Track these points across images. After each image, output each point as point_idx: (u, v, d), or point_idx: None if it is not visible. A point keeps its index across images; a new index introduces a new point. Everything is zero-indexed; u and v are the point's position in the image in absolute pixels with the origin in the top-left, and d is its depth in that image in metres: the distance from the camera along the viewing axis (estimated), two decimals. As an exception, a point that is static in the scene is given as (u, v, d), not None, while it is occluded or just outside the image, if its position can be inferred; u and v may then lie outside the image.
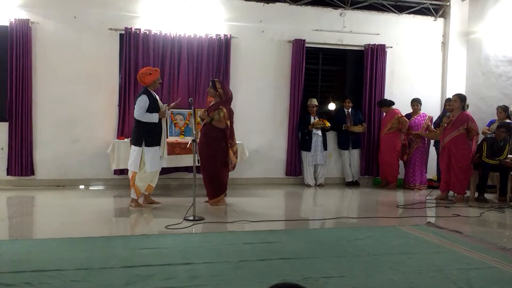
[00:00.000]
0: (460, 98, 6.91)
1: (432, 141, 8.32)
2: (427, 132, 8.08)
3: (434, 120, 8.27)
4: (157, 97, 5.86)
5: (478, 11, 8.61)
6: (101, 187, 7.35)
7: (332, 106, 8.56)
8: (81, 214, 5.42)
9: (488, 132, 7.38)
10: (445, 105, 8.10)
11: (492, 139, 6.89)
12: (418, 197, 7.23)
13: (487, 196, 7.01)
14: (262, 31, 8.06)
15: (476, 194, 7.02)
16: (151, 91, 5.72)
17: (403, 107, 8.27)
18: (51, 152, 7.26)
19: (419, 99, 8.21)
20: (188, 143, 6.35)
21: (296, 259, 3.66)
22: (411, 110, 8.27)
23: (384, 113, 8.35)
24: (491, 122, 7.60)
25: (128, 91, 7.34)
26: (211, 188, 6.03)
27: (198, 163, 5.28)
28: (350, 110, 8.37)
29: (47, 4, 7.19)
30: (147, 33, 7.41)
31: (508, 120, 7.26)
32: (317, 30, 8.29)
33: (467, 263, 3.66)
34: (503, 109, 7.36)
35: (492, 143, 6.82)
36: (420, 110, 8.22)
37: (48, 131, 7.26)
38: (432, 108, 8.50)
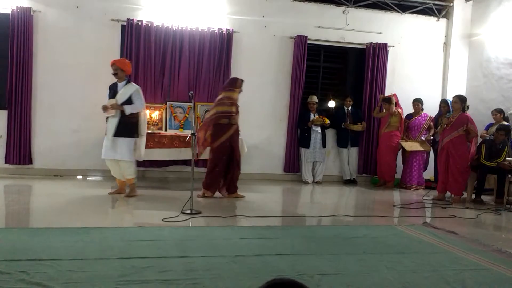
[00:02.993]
0: (461, 100, 6.93)
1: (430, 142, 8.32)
2: (428, 133, 8.10)
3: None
4: (119, 90, 5.83)
5: (481, 13, 8.59)
6: (98, 178, 7.34)
7: (332, 104, 8.55)
8: (78, 204, 5.42)
9: (486, 135, 7.39)
10: (440, 107, 8.09)
11: (490, 141, 6.89)
12: (415, 197, 7.24)
13: (484, 198, 7.02)
14: (265, 26, 8.04)
15: (473, 196, 7.03)
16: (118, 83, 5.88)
17: (403, 107, 8.28)
18: (49, 141, 7.26)
19: (421, 99, 8.20)
20: (187, 136, 6.34)
21: (292, 256, 3.66)
22: (413, 110, 8.28)
23: (384, 110, 8.35)
24: (489, 126, 7.63)
25: (128, 82, 7.32)
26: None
27: (197, 157, 5.27)
28: (350, 108, 8.37)
29: (49, -7, 7.17)
30: (149, 25, 7.39)
31: (505, 123, 7.28)
32: (319, 27, 8.28)
33: (462, 264, 3.67)
34: (498, 111, 7.44)
35: (491, 145, 6.82)
36: (422, 110, 8.22)
37: (47, 120, 7.25)
38: (432, 109, 8.48)
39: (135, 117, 5.80)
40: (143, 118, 5.98)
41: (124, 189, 6.07)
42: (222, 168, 6.13)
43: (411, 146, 8.03)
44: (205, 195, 6.12)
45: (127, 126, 5.74)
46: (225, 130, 6.06)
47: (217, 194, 6.26)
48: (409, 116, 8.26)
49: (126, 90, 5.78)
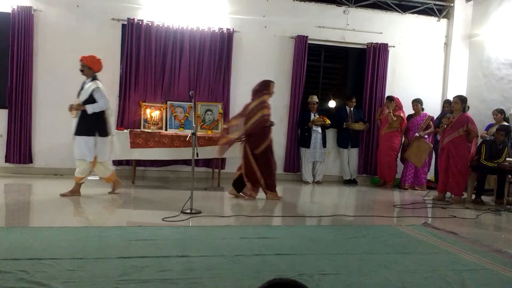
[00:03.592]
0: (461, 100, 6.93)
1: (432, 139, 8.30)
2: (425, 131, 8.08)
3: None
4: (84, 87, 5.65)
5: (482, 13, 8.59)
6: (98, 178, 7.31)
7: (332, 104, 8.55)
8: (78, 203, 5.42)
9: (486, 135, 7.39)
10: (443, 107, 8.10)
11: (491, 142, 6.89)
12: (415, 197, 7.24)
13: (484, 198, 7.02)
14: (265, 26, 8.04)
15: (473, 196, 7.03)
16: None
17: (404, 107, 8.27)
18: (49, 140, 7.26)
19: (420, 99, 8.20)
20: (187, 136, 6.34)
21: (292, 255, 3.66)
22: (413, 111, 8.27)
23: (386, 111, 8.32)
24: (489, 126, 7.63)
25: (129, 82, 7.34)
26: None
27: (197, 156, 5.26)
28: (352, 108, 8.38)
29: (50, -8, 7.17)
30: (150, 24, 7.39)
31: (506, 123, 7.28)
32: (320, 27, 8.27)
33: (462, 264, 3.67)
34: (498, 112, 7.43)
35: (491, 146, 6.83)
36: (422, 110, 8.20)
37: (48, 120, 7.25)
38: (432, 109, 8.49)
39: (95, 115, 5.57)
40: (110, 117, 5.79)
41: (119, 185, 6.04)
42: (275, 167, 6.30)
43: (419, 159, 7.96)
44: (275, 197, 6.25)
45: (85, 124, 5.56)
46: (268, 133, 6.19)
47: (216, 193, 6.26)
48: (409, 117, 8.25)
49: (88, 88, 5.57)
